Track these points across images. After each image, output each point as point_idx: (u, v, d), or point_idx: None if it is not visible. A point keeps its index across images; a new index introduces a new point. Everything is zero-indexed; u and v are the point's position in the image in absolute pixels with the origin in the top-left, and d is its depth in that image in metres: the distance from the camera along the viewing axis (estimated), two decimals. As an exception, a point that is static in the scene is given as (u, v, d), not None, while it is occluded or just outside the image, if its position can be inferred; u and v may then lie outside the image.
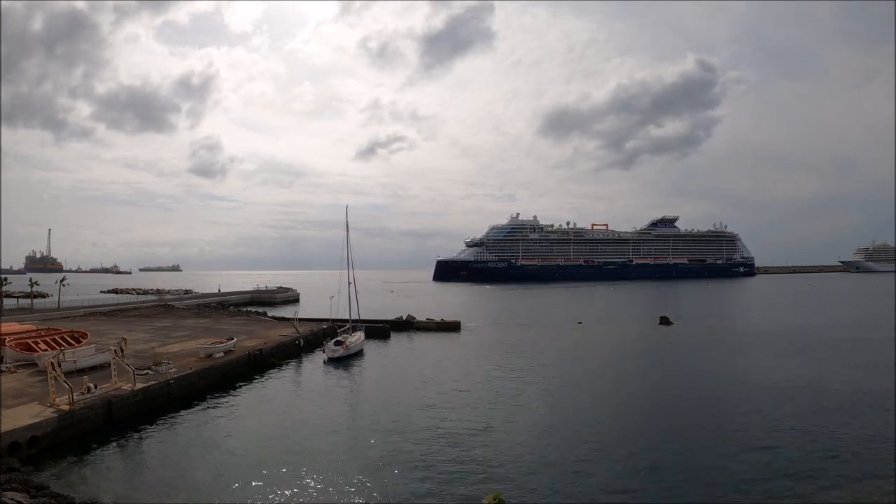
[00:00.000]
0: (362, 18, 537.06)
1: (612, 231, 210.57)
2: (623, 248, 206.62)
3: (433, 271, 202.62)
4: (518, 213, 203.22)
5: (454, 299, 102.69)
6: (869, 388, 27.25)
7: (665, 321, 56.36)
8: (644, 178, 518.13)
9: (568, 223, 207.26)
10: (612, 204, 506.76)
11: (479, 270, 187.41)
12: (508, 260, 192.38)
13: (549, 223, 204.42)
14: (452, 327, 53.08)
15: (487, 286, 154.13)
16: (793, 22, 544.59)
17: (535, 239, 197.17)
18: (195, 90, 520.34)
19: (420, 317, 56.39)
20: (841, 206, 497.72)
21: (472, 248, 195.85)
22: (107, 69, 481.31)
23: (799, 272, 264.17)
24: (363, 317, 46.22)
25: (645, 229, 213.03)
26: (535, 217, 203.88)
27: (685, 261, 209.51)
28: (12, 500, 12.74)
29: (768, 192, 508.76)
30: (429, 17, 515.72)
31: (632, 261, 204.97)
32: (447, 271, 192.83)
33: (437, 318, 55.82)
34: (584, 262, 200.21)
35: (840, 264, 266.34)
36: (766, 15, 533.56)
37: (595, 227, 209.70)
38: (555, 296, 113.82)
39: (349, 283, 43.40)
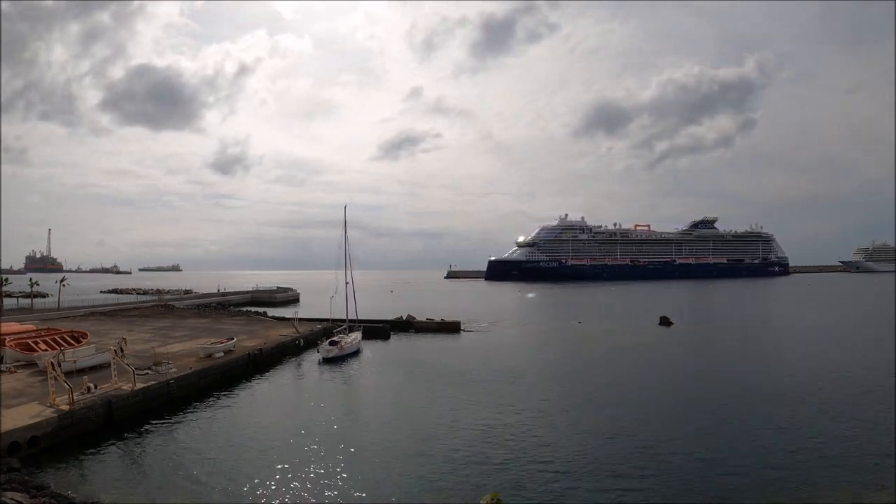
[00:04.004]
0: (415, 5, 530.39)
1: (655, 232, 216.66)
2: (666, 249, 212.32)
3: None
4: (566, 214, 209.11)
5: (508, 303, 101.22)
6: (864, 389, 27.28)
7: (665, 321, 56.35)
8: (654, 179, 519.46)
9: (615, 224, 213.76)
10: (621, 204, 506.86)
11: (531, 270, 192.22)
12: (559, 260, 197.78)
13: (597, 224, 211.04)
14: (452, 328, 53.08)
15: (549, 286, 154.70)
16: (794, 24, 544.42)
17: (584, 239, 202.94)
18: (228, 81, 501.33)
19: (420, 317, 56.46)
20: (840, 206, 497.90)
21: (523, 249, 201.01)
22: (129, 52, 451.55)
23: (799, 272, 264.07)
24: (369, 317, 46.15)
25: (686, 230, 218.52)
26: (582, 218, 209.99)
27: (724, 260, 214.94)
28: (12, 500, 12.75)
29: (768, 193, 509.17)
30: (489, 5, 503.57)
31: (674, 260, 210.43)
32: (499, 271, 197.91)
33: (437, 319, 55.86)
34: (630, 261, 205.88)
35: (840, 264, 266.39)
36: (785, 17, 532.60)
37: (638, 228, 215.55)
38: (598, 294, 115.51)
39: (347, 283, 43.45)
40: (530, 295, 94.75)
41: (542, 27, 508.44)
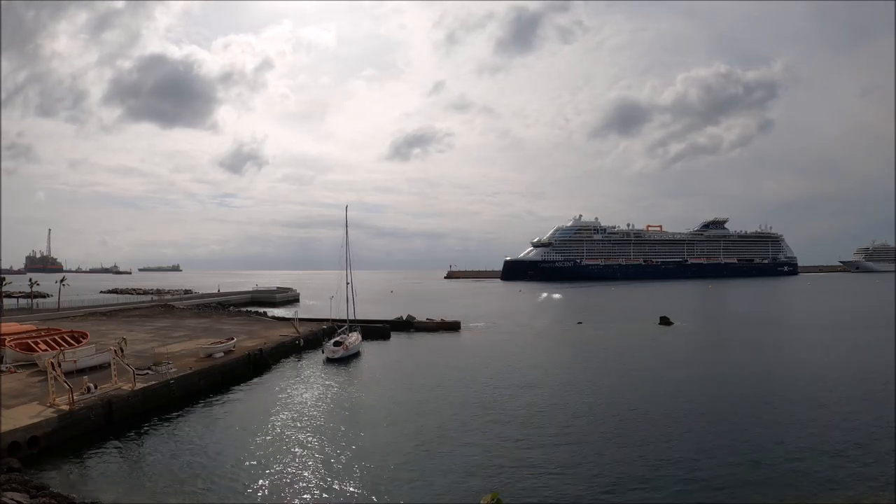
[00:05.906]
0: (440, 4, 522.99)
1: (667, 232, 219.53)
2: (678, 249, 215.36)
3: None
4: (581, 215, 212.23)
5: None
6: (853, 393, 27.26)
7: (665, 321, 56.34)
8: (664, 179, 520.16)
9: (628, 224, 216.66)
10: (631, 204, 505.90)
11: (547, 270, 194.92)
12: (574, 260, 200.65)
13: (610, 224, 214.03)
14: (453, 327, 53.07)
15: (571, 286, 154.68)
16: (798, 28, 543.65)
17: (599, 240, 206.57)
18: (246, 75, 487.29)
19: (420, 317, 56.45)
20: (839, 206, 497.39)
21: (539, 249, 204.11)
22: (142, 43, 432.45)
23: (805, 272, 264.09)
24: (369, 317, 46.14)
25: (697, 230, 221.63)
26: (596, 218, 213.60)
27: (735, 260, 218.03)
28: (12, 500, 12.73)
29: (773, 194, 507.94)
30: (518, 2, 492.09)
31: (686, 261, 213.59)
32: (515, 271, 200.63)
33: (438, 318, 55.84)
34: (644, 261, 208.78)
35: (840, 264, 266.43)
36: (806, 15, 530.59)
37: (650, 228, 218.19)
38: (607, 294, 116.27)
39: (347, 284, 43.49)
40: (556, 296, 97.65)
41: (573, 24, 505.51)
